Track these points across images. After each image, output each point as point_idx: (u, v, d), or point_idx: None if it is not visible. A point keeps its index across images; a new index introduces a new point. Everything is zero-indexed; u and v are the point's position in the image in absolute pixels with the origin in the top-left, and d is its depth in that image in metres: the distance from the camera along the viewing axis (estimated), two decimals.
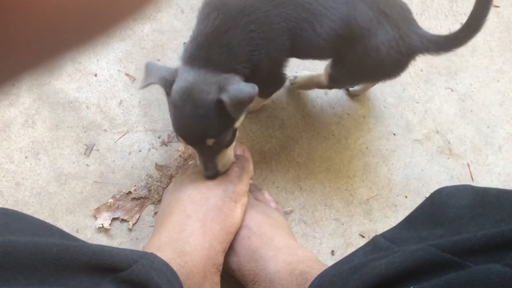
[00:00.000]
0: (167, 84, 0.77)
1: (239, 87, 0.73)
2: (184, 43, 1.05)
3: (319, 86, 1.02)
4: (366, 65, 0.85)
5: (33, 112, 0.97)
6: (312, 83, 1.04)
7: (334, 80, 0.93)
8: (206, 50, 0.76)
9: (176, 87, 0.76)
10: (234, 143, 0.85)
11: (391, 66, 0.86)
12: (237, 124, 0.81)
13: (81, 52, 0.23)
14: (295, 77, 1.06)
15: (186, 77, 0.75)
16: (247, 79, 0.79)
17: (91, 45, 0.23)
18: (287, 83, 1.05)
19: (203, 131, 0.76)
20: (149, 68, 0.80)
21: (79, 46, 0.23)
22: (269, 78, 0.88)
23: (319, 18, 0.79)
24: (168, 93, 0.78)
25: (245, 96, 0.73)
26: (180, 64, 0.79)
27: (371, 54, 0.82)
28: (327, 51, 0.86)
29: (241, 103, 0.74)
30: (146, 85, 0.80)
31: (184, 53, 0.79)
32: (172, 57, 1.05)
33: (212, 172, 0.82)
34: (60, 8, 0.19)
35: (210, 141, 0.77)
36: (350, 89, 1.09)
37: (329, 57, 0.90)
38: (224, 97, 0.72)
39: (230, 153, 0.84)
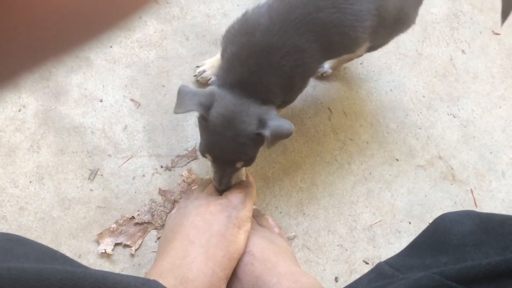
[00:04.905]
0: (205, 110, 0.79)
1: (280, 123, 0.77)
2: (196, 66, 1.07)
3: (352, 59, 1.08)
4: (399, 31, 0.94)
5: (39, 137, 0.98)
6: (342, 61, 1.09)
7: (372, 49, 1.00)
8: (245, 85, 0.79)
9: (216, 113, 0.78)
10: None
11: (415, 18, 0.94)
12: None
13: (83, 49, 0.24)
14: (322, 67, 1.10)
15: (227, 105, 0.78)
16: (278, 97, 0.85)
17: (92, 41, 0.24)
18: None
19: (238, 156, 0.81)
20: (183, 93, 0.80)
21: (79, 45, 0.23)
22: (298, 89, 0.91)
23: (351, 26, 0.81)
24: (205, 118, 0.79)
25: (284, 133, 0.77)
26: (216, 88, 0.81)
27: (404, 23, 0.90)
28: (365, 41, 0.90)
29: (280, 138, 0.79)
30: (185, 111, 0.81)
31: (220, 80, 0.82)
32: (177, 83, 1.06)
33: (225, 187, 0.86)
34: (59, 9, 0.20)
35: (239, 164, 0.82)
36: (323, 72, 1.12)
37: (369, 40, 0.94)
38: (267, 133, 0.76)
39: (243, 170, 0.89)
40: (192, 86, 1.07)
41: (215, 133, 0.79)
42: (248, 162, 0.83)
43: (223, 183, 0.85)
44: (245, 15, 0.82)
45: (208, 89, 0.82)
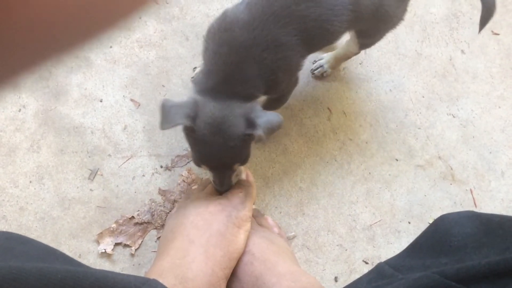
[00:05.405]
0: (193, 121, 0.77)
1: (268, 119, 0.76)
2: (194, 68, 1.07)
3: (349, 57, 1.08)
4: (385, 27, 0.94)
5: (39, 137, 0.98)
6: (340, 60, 1.09)
7: (365, 45, 1.01)
8: (227, 84, 0.78)
9: (203, 123, 0.77)
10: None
11: (402, 13, 0.94)
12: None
13: (85, 47, 0.24)
14: (322, 66, 1.10)
15: (213, 112, 0.77)
16: (265, 94, 0.85)
17: (93, 39, 0.24)
18: (302, 80, 1.09)
19: (233, 160, 0.81)
20: (167, 108, 0.77)
21: (78, 44, 0.23)
22: (286, 85, 0.90)
23: (328, 20, 0.81)
24: (193, 129, 0.77)
25: (275, 126, 0.77)
26: (197, 96, 0.79)
27: (385, 19, 0.90)
28: (343, 34, 0.91)
29: (272, 132, 0.78)
30: (173, 126, 0.77)
31: (200, 84, 0.80)
32: (176, 83, 1.06)
33: (227, 188, 0.86)
34: (59, 9, 0.20)
35: (236, 166, 0.82)
36: (317, 71, 1.12)
37: (346, 32, 0.94)
38: (259, 132, 0.75)
39: (242, 167, 0.88)
40: (188, 90, 1.07)
41: (205, 143, 0.78)
42: (244, 161, 0.83)
43: (225, 185, 0.85)
44: (224, 13, 0.81)
45: (190, 98, 0.80)
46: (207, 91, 0.79)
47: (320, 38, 0.86)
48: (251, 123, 0.76)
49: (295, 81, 0.93)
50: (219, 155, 0.80)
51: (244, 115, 0.77)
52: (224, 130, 0.76)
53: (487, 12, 0.91)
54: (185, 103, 0.79)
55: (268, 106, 0.94)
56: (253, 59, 0.78)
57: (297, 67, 0.88)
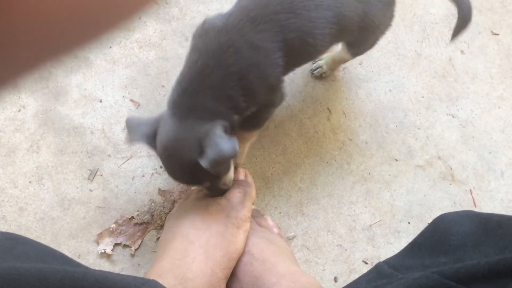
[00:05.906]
0: (150, 140, 0.77)
1: (218, 149, 0.70)
2: None
3: (346, 61, 1.07)
4: (374, 36, 0.91)
5: (38, 138, 0.98)
6: (338, 62, 1.09)
7: (357, 54, 1.00)
8: (190, 97, 0.74)
9: (159, 143, 0.76)
10: (232, 164, 0.85)
11: (389, 19, 0.91)
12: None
13: (86, 48, 0.24)
14: (321, 67, 1.10)
15: (168, 132, 0.75)
16: (243, 111, 0.79)
17: (93, 41, 0.24)
18: (302, 80, 1.07)
19: (195, 181, 0.79)
20: (129, 124, 0.79)
21: (80, 46, 0.23)
22: (268, 99, 0.85)
23: (309, 33, 0.78)
24: (153, 148, 0.78)
25: (226, 156, 0.71)
26: (166, 110, 0.77)
27: (372, 29, 0.87)
28: (327, 48, 0.88)
29: (220, 164, 0.73)
30: (133, 143, 0.80)
31: (170, 96, 0.77)
32: None
33: (219, 194, 0.85)
34: (59, 9, 0.20)
35: (206, 184, 0.79)
36: (317, 71, 1.12)
37: (332, 46, 0.91)
38: (203, 163, 0.71)
39: (230, 173, 0.85)
40: None
41: (164, 161, 0.77)
42: (214, 179, 0.79)
43: (215, 193, 0.84)
44: (204, 20, 0.78)
45: (156, 115, 0.79)
46: (171, 104, 0.76)
47: (302, 51, 0.81)
48: (201, 150, 0.72)
49: (280, 97, 0.86)
50: (179, 175, 0.78)
51: (198, 139, 0.72)
52: (177, 154, 0.74)
53: (462, 21, 0.90)
54: (147, 121, 0.78)
55: (247, 122, 0.88)
56: (219, 66, 0.73)
57: (274, 78, 0.81)
